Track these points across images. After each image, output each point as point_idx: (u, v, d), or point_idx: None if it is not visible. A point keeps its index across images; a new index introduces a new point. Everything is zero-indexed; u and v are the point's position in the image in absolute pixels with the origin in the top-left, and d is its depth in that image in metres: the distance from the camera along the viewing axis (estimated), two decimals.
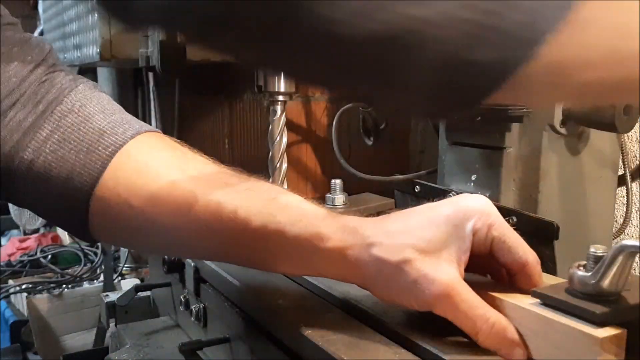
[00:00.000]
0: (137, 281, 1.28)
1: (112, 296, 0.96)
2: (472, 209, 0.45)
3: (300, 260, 0.48)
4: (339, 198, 0.74)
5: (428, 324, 0.47)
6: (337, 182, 0.75)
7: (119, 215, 0.51)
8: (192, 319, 0.74)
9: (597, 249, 0.41)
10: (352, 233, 0.46)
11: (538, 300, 0.43)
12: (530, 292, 0.44)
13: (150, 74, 1.86)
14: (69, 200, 0.52)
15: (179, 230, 0.50)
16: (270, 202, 0.49)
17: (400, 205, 0.93)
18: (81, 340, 1.20)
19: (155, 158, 0.53)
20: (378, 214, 0.72)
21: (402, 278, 0.44)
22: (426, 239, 0.44)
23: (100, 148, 0.52)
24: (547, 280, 0.48)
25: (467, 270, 0.45)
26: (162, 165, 0.52)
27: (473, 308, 0.43)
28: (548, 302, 0.42)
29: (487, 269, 0.49)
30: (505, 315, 0.44)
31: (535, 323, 0.42)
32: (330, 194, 0.74)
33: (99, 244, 1.46)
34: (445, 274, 0.43)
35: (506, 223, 0.47)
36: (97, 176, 0.51)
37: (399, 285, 0.44)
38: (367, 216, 0.49)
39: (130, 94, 1.94)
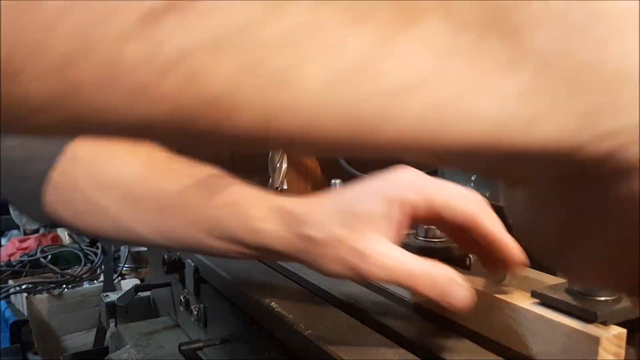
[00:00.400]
0: (137, 281, 1.28)
1: (112, 296, 0.96)
2: (403, 182, 0.46)
3: (234, 243, 0.49)
4: None
5: (428, 324, 0.47)
6: (337, 183, 0.74)
7: (73, 198, 0.55)
8: (192, 319, 0.74)
9: None
10: (282, 214, 0.47)
11: (538, 300, 0.43)
12: (530, 292, 0.43)
13: None
14: (28, 181, 0.55)
15: (124, 214, 0.53)
16: (209, 186, 0.50)
17: None
18: (81, 340, 1.20)
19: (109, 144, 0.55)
20: None
21: (333, 253, 0.45)
22: (355, 214, 0.45)
23: None
24: (548, 280, 0.48)
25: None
26: (116, 150, 0.55)
27: (405, 270, 0.44)
28: (548, 302, 0.42)
29: (470, 249, 0.50)
30: (505, 315, 0.44)
31: (535, 323, 0.42)
32: None
33: (99, 244, 1.46)
34: (373, 247, 0.44)
35: (453, 187, 0.47)
36: (53, 159, 0.54)
37: (331, 260, 0.45)
38: None
39: None
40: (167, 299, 0.88)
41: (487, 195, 0.85)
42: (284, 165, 0.86)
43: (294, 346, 0.51)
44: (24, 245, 1.64)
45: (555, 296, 0.41)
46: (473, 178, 0.89)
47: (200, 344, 0.67)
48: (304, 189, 1.23)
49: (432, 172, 0.98)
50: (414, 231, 0.56)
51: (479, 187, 0.88)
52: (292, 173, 1.23)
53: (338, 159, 1.05)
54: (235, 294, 0.63)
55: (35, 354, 1.25)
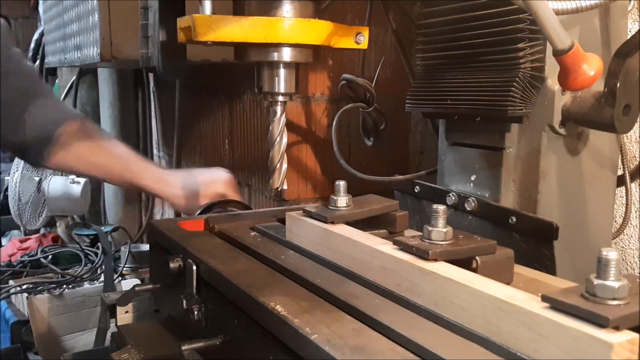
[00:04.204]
0: (137, 281, 1.27)
1: (113, 296, 0.94)
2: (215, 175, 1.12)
3: (134, 186, 1.13)
4: (342, 200, 0.71)
5: (432, 326, 0.45)
6: (340, 184, 0.72)
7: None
8: (193, 319, 0.72)
9: (607, 252, 0.39)
10: (161, 181, 1.11)
11: (548, 305, 0.41)
12: (541, 296, 0.42)
13: (151, 75, 1.84)
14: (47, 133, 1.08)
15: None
16: (131, 163, 1.12)
17: (400, 205, 0.91)
18: (81, 340, 1.19)
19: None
20: (382, 215, 0.71)
21: (177, 202, 1.09)
22: (185, 187, 1.08)
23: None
24: (555, 282, 0.46)
25: None
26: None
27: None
28: (558, 306, 0.40)
29: None
30: (513, 320, 0.42)
31: (545, 328, 0.40)
32: (334, 195, 0.72)
33: (100, 245, 1.44)
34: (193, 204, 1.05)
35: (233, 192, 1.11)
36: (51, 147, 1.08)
37: (175, 203, 1.10)
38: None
39: (131, 94, 1.92)
40: (168, 299, 0.86)
41: (487, 195, 0.84)
42: (284, 166, 0.84)
43: (299, 350, 0.49)
44: (25, 245, 1.62)
45: (566, 300, 0.39)
46: (473, 178, 0.87)
47: (201, 344, 0.66)
48: (304, 189, 1.22)
49: (432, 171, 0.96)
50: (420, 233, 0.54)
51: (478, 187, 0.86)
52: (292, 173, 1.21)
53: (338, 159, 1.03)
54: (238, 296, 0.61)
55: (36, 354, 1.23)
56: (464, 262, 0.51)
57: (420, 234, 0.54)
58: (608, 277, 0.39)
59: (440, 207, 0.51)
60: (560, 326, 0.39)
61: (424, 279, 0.50)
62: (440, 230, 0.52)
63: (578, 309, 0.39)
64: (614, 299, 0.39)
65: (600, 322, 0.38)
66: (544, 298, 0.41)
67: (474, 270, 0.51)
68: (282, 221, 0.80)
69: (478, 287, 0.42)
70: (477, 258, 0.51)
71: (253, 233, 0.81)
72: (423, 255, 0.51)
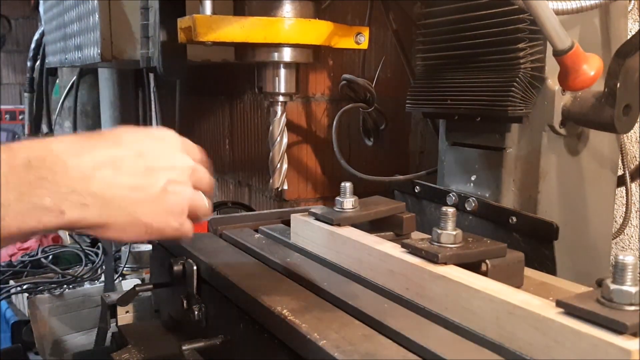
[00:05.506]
0: (137, 281, 1.24)
1: (113, 296, 0.92)
2: None
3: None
4: (349, 201, 0.69)
5: (445, 333, 0.43)
6: (347, 185, 0.70)
7: None
8: (193, 319, 0.70)
9: (625, 257, 0.37)
10: None
11: (563, 310, 0.39)
12: (555, 301, 0.39)
13: (151, 75, 1.81)
14: None
15: None
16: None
17: None
18: (82, 340, 1.16)
19: None
20: (388, 217, 0.68)
21: None
22: None
23: None
24: (566, 286, 0.44)
25: None
26: None
27: None
28: (574, 312, 0.38)
29: None
30: (527, 326, 0.40)
31: (560, 334, 0.38)
32: (340, 197, 0.70)
33: (100, 245, 1.41)
34: None
35: None
36: None
37: None
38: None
39: (131, 94, 1.89)
40: (168, 299, 0.84)
41: (488, 195, 0.82)
42: (284, 166, 0.82)
43: (306, 355, 0.47)
44: (25, 245, 1.59)
45: (582, 306, 0.37)
46: (473, 178, 0.85)
47: (201, 344, 0.63)
48: (304, 189, 1.19)
49: (432, 171, 0.94)
50: (428, 236, 0.52)
51: (478, 187, 0.84)
52: (293, 173, 1.19)
53: (338, 159, 1.01)
54: (244, 300, 0.59)
55: (36, 354, 1.20)
56: (474, 266, 0.49)
57: (428, 236, 0.52)
58: (625, 282, 0.37)
59: (450, 210, 0.49)
60: (577, 332, 0.37)
61: (434, 283, 0.47)
62: (450, 233, 0.50)
63: (595, 315, 0.36)
64: (631, 304, 0.37)
65: (617, 328, 0.36)
66: (559, 303, 0.39)
67: (484, 274, 0.48)
68: (287, 223, 0.77)
69: (491, 291, 0.40)
70: (487, 261, 0.49)
71: (257, 235, 0.79)
72: (432, 258, 0.49)
